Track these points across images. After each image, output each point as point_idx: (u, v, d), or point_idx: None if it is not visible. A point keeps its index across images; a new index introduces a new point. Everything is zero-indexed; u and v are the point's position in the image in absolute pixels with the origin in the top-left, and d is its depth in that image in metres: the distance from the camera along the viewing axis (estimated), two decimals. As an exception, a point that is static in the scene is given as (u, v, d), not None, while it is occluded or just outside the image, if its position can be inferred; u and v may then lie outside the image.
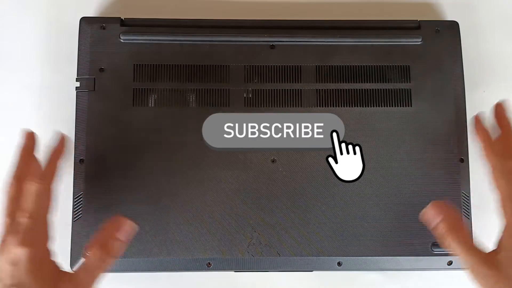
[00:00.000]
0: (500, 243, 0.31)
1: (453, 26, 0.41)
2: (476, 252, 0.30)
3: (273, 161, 0.38)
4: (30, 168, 0.34)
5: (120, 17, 0.40)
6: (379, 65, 0.40)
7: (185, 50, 0.40)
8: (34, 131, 0.35)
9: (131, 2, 0.43)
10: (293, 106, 0.39)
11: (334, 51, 0.40)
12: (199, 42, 0.40)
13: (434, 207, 0.32)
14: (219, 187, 0.38)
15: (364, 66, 0.40)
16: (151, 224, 0.37)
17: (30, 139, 0.35)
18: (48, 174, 0.34)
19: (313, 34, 0.40)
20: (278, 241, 0.38)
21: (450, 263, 0.38)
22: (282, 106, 0.39)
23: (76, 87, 0.39)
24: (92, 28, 0.40)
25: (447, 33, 0.41)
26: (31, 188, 0.32)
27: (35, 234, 0.31)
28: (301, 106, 0.39)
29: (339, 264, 0.38)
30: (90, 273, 0.31)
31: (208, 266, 0.37)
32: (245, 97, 0.39)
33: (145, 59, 0.39)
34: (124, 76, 0.39)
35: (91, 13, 0.42)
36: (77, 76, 0.39)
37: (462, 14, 0.43)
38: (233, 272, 0.39)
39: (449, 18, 0.43)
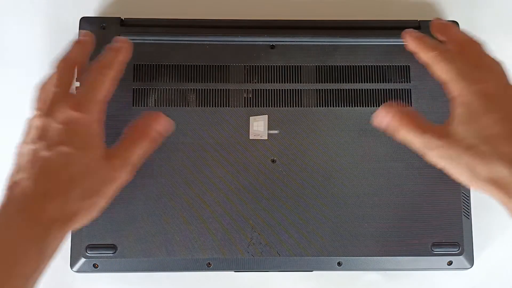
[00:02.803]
0: (450, 116, 0.31)
1: (453, 26, 0.41)
2: (428, 129, 0.31)
3: (273, 161, 0.38)
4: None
5: (120, 17, 0.40)
6: (379, 65, 0.40)
7: (185, 50, 0.40)
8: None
9: (131, 2, 0.43)
10: (293, 106, 0.39)
11: (334, 51, 0.40)
12: (199, 42, 0.40)
13: (384, 107, 0.33)
14: (219, 187, 0.38)
15: (364, 66, 0.40)
16: (151, 224, 0.37)
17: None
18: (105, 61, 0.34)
19: (313, 34, 0.40)
20: (278, 241, 0.38)
21: (450, 263, 0.38)
22: (282, 106, 0.39)
23: (76, 87, 0.39)
24: (92, 28, 0.40)
25: (447, 33, 0.41)
26: (99, 69, 0.33)
27: (92, 100, 0.32)
28: (301, 106, 0.39)
29: (339, 264, 0.38)
30: (131, 153, 0.33)
31: (208, 266, 0.37)
32: (245, 97, 0.39)
33: (145, 59, 0.39)
34: (124, 76, 0.39)
35: (91, 13, 0.42)
36: (77, 76, 0.39)
37: (462, 14, 0.43)
38: (233, 272, 0.39)
39: (449, 18, 0.43)
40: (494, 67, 0.32)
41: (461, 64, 0.31)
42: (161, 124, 0.34)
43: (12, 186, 0.30)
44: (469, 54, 0.33)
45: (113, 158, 0.32)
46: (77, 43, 0.35)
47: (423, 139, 0.31)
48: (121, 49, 0.35)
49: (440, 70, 0.32)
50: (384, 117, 0.33)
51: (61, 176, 0.30)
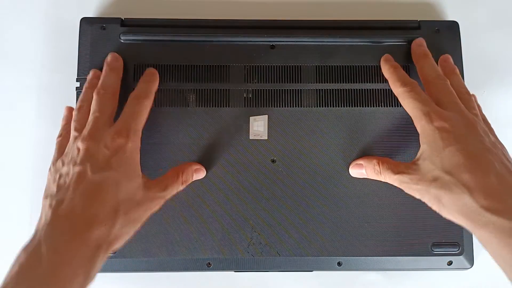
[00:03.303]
0: (419, 151, 0.33)
1: (453, 26, 0.41)
2: (400, 169, 0.33)
3: (273, 161, 0.38)
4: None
5: (120, 17, 0.40)
6: (379, 65, 0.40)
7: (185, 50, 0.40)
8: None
9: (131, 2, 0.43)
10: (293, 106, 0.39)
11: (334, 51, 0.40)
12: (199, 42, 0.40)
13: (358, 161, 0.37)
14: (219, 187, 0.38)
15: (364, 66, 0.40)
16: (151, 224, 0.37)
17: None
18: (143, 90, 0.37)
19: (313, 34, 0.40)
20: (278, 241, 0.38)
21: (450, 263, 0.38)
22: (282, 106, 0.39)
23: (76, 87, 0.39)
24: (92, 28, 0.40)
25: (447, 33, 0.41)
26: (137, 99, 0.35)
27: (135, 129, 0.33)
28: (301, 106, 0.39)
29: (339, 264, 0.38)
30: (166, 183, 0.34)
31: (208, 266, 0.37)
32: (245, 97, 0.39)
33: (145, 59, 0.39)
34: (124, 76, 0.39)
35: (91, 13, 0.42)
36: (77, 76, 0.39)
37: (462, 14, 0.43)
38: (233, 272, 0.39)
39: (449, 18, 0.43)
40: (455, 105, 0.34)
41: (425, 103, 0.33)
42: (199, 176, 0.37)
43: (56, 205, 0.30)
44: (434, 91, 0.35)
45: (152, 189, 0.33)
46: (111, 71, 0.37)
47: (397, 177, 0.33)
48: (155, 79, 0.38)
49: (407, 106, 0.35)
50: (358, 171, 0.37)
51: (109, 201, 0.30)
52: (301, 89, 0.39)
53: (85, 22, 0.40)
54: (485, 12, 0.44)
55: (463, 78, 0.40)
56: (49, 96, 0.41)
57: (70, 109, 0.38)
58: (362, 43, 0.40)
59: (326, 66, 0.40)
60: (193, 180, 0.37)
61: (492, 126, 0.42)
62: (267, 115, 0.39)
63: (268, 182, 0.38)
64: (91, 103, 0.35)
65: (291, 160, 0.38)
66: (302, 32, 0.40)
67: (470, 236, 0.38)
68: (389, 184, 0.38)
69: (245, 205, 0.38)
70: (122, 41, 0.39)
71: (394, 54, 0.40)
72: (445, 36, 0.41)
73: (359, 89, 0.39)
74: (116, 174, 0.31)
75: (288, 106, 0.39)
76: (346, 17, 0.43)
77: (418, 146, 0.39)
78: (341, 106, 0.39)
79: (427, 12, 0.44)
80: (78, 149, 0.32)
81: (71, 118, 0.36)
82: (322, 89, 0.39)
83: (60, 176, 0.31)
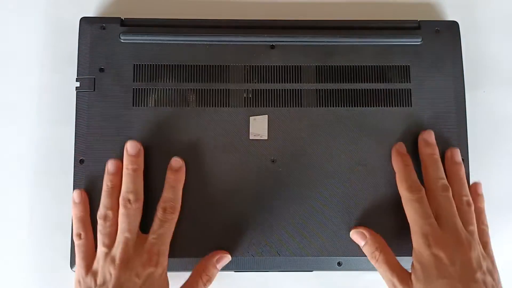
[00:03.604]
0: (412, 266, 0.34)
1: (453, 26, 0.41)
2: (396, 272, 0.34)
3: (273, 161, 0.38)
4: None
5: (120, 17, 0.40)
6: (379, 65, 0.40)
7: (185, 50, 0.40)
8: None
9: (131, 2, 0.43)
10: (293, 106, 0.39)
11: (334, 51, 0.40)
12: (199, 42, 0.40)
13: (359, 231, 0.37)
14: (219, 187, 0.38)
15: (364, 66, 0.40)
16: (149, 224, 0.37)
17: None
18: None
19: (313, 34, 0.40)
20: (278, 241, 0.38)
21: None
22: (282, 106, 0.39)
23: (76, 87, 0.39)
24: (92, 28, 0.40)
25: (447, 33, 0.41)
26: (164, 215, 0.35)
27: (164, 252, 0.35)
28: (301, 106, 0.39)
29: (339, 264, 0.38)
30: None
31: (208, 266, 0.37)
32: (245, 97, 0.39)
33: (145, 59, 0.39)
34: (124, 76, 0.39)
35: (91, 13, 0.42)
36: (77, 76, 0.39)
37: (462, 14, 0.43)
38: (233, 272, 0.39)
39: (449, 18, 0.43)
40: (452, 223, 0.34)
41: (425, 221, 0.34)
42: (225, 263, 0.37)
43: None
44: (434, 202, 0.35)
45: None
46: (135, 172, 0.36)
47: (391, 279, 0.34)
48: (181, 178, 0.37)
49: (408, 213, 0.35)
50: (358, 240, 0.37)
51: None
52: (301, 89, 0.39)
53: (85, 22, 0.40)
54: (485, 12, 0.44)
55: (463, 78, 0.40)
56: (49, 96, 0.41)
57: (81, 195, 0.37)
58: (362, 43, 0.40)
59: (326, 66, 0.40)
60: (219, 270, 0.36)
61: (492, 126, 0.42)
62: (267, 115, 0.39)
63: (268, 182, 0.38)
64: (116, 209, 0.35)
65: (291, 160, 0.38)
66: (302, 32, 0.40)
67: (470, 236, 0.38)
68: (389, 184, 0.38)
69: (245, 205, 0.38)
70: (122, 41, 0.39)
71: (394, 54, 0.40)
72: (445, 36, 0.41)
73: (359, 89, 0.39)
74: None
75: (288, 106, 0.39)
76: (346, 17, 0.43)
77: (417, 146, 0.39)
78: (341, 106, 0.39)
79: (427, 12, 0.44)
80: (110, 274, 0.33)
81: (85, 208, 0.36)
82: (322, 89, 0.39)
83: None
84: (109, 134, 0.38)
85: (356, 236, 0.37)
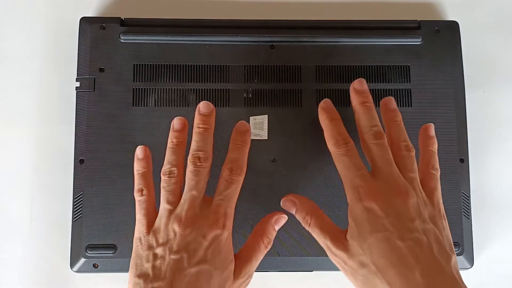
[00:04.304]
0: (348, 224, 0.32)
1: (453, 26, 0.41)
2: (329, 233, 0.32)
3: (273, 161, 0.38)
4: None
5: (120, 17, 0.40)
6: (379, 65, 0.40)
7: (185, 50, 0.40)
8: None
9: (131, 2, 0.43)
10: (293, 106, 0.39)
11: (334, 51, 0.40)
12: (199, 42, 0.40)
13: (288, 200, 0.35)
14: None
15: (364, 66, 0.40)
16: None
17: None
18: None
19: (313, 34, 0.40)
20: (278, 241, 0.37)
21: (450, 263, 0.38)
22: (282, 106, 0.39)
23: (76, 87, 0.39)
24: (92, 28, 0.40)
25: (447, 33, 0.41)
26: (230, 176, 0.33)
27: (230, 214, 0.32)
28: (301, 106, 0.39)
29: (339, 264, 0.38)
30: (250, 256, 0.33)
31: (208, 266, 0.37)
32: (245, 97, 0.39)
33: (145, 59, 0.39)
34: (124, 76, 0.39)
35: (91, 13, 0.42)
36: (77, 76, 0.39)
37: (462, 14, 0.43)
38: (233, 272, 0.39)
39: (449, 18, 0.43)
40: (388, 169, 0.32)
41: (356, 172, 0.32)
42: (282, 223, 0.35)
43: None
44: (368, 150, 0.33)
45: (241, 272, 0.32)
46: (206, 131, 0.34)
47: (324, 242, 0.32)
48: (247, 141, 0.34)
49: (338, 169, 0.33)
50: (289, 207, 0.34)
51: None
52: (301, 89, 0.39)
53: (85, 22, 0.40)
54: (485, 12, 0.44)
55: (463, 78, 0.40)
56: (49, 96, 0.41)
57: (145, 151, 0.35)
58: (362, 43, 0.40)
59: (326, 66, 0.40)
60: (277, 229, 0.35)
61: (492, 126, 0.42)
62: (267, 115, 0.39)
63: (268, 182, 0.38)
64: (182, 166, 0.33)
65: (291, 160, 0.38)
66: (302, 32, 0.40)
67: (470, 236, 0.38)
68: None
69: (245, 205, 0.38)
70: (121, 41, 0.39)
71: (394, 54, 0.40)
72: (445, 36, 0.41)
73: (359, 89, 0.39)
74: (211, 268, 0.30)
75: (288, 106, 0.39)
76: (346, 17, 0.43)
77: (419, 147, 0.39)
78: (341, 106, 0.39)
79: (427, 12, 0.44)
80: (175, 233, 0.31)
81: (148, 165, 0.35)
82: (322, 89, 0.39)
83: (155, 257, 0.31)
84: (109, 134, 0.38)
85: (288, 204, 0.34)
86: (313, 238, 0.37)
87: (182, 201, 0.32)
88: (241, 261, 0.33)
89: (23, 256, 0.40)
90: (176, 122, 0.34)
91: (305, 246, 0.37)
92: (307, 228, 0.33)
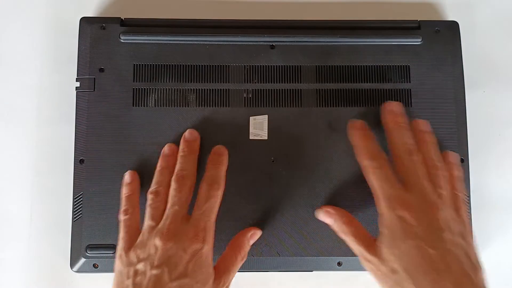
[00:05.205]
0: (380, 234, 0.33)
1: (453, 26, 0.41)
2: (363, 240, 0.33)
3: (273, 161, 0.38)
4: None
5: (120, 17, 0.40)
6: (379, 65, 0.40)
7: (185, 50, 0.40)
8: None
9: (131, 2, 0.43)
10: (293, 106, 0.39)
11: (334, 51, 0.40)
12: (199, 42, 0.40)
13: (325, 210, 0.36)
14: (219, 187, 0.38)
15: (364, 66, 0.40)
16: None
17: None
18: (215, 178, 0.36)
19: (313, 34, 0.40)
20: (278, 241, 0.38)
21: (450, 263, 0.38)
22: (282, 106, 0.39)
23: (76, 87, 0.39)
24: (92, 28, 0.40)
25: (447, 33, 0.41)
26: (208, 191, 0.34)
27: (210, 228, 0.33)
28: (301, 106, 0.39)
29: (339, 264, 0.38)
30: (228, 268, 0.34)
31: (208, 266, 0.37)
32: (245, 97, 0.39)
33: (145, 59, 0.39)
34: (124, 76, 0.39)
35: (91, 13, 0.42)
36: (77, 76, 0.39)
37: (462, 14, 0.43)
38: (233, 272, 0.39)
39: (449, 18, 0.43)
40: (419, 185, 0.33)
41: (388, 185, 0.33)
42: (256, 238, 0.37)
43: None
44: (401, 167, 0.34)
45: (218, 285, 0.33)
46: (190, 154, 0.36)
47: (357, 248, 0.34)
48: (224, 160, 0.37)
49: (370, 182, 0.34)
50: (325, 218, 0.36)
51: None
52: (301, 89, 0.39)
53: (85, 22, 0.40)
54: (485, 12, 0.44)
55: (463, 78, 0.40)
56: (49, 96, 0.41)
57: (133, 176, 0.37)
58: (362, 43, 0.40)
59: (326, 66, 0.40)
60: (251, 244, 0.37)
61: (492, 126, 0.42)
62: (267, 115, 0.39)
63: (268, 182, 0.38)
64: (168, 187, 0.35)
65: (291, 160, 0.38)
66: (302, 32, 0.40)
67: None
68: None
69: (245, 205, 0.38)
70: (122, 41, 0.39)
71: (394, 54, 0.40)
72: (445, 36, 0.41)
73: (359, 89, 0.39)
74: (191, 281, 0.31)
75: (288, 106, 0.39)
76: (346, 17, 0.43)
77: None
78: (341, 106, 0.39)
79: (427, 12, 0.44)
80: (156, 248, 0.32)
81: (135, 188, 0.36)
82: (322, 89, 0.39)
83: (136, 273, 0.31)
84: (109, 134, 0.38)
85: (323, 215, 0.36)
86: (313, 238, 0.38)
87: (164, 216, 0.33)
88: (220, 273, 0.33)
89: (23, 256, 0.40)
90: (166, 148, 0.37)
91: (305, 246, 0.38)
92: (343, 236, 0.35)
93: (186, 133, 0.37)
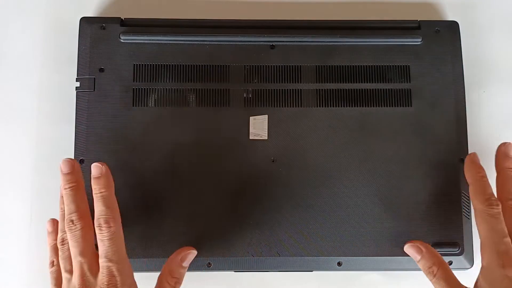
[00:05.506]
0: (476, 284, 0.33)
1: (453, 26, 0.41)
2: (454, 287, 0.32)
3: (273, 161, 0.38)
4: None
5: (120, 17, 0.40)
6: (379, 65, 0.40)
7: (185, 50, 0.40)
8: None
9: (131, 2, 0.43)
10: (293, 106, 0.39)
11: (334, 51, 0.40)
12: (199, 42, 0.40)
13: (415, 245, 0.36)
14: (219, 187, 0.38)
15: (364, 66, 0.40)
16: (151, 224, 0.37)
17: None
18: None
19: (313, 34, 0.40)
20: (278, 241, 0.38)
21: (450, 263, 0.38)
22: (282, 106, 0.39)
23: (76, 87, 0.39)
24: (92, 28, 0.40)
25: (447, 33, 0.41)
26: (101, 233, 0.32)
27: (122, 271, 0.32)
28: (301, 106, 0.39)
29: (339, 264, 0.38)
30: None
31: (208, 266, 0.37)
32: (245, 97, 0.39)
33: (145, 59, 0.39)
34: (124, 76, 0.39)
35: (91, 13, 0.42)
36: (77, 76, 0.39)
37: (462, 14, 0.43)
38: (233, 272, 0.39)
39: (449, 18, 0.43)
40: None
41: (501, 237, 0.32)
42: (191, 259, 0.36)
43: None
44: (508, 217, 0.33)
45: None
46: (69, 195, 0.34)
47: None
48: (107, 183, 0.33)
49: (481, 227, 0.33)
50: (415, 254, 0.36)
51: None
52: (301, 89, 0.39)
53: (85, 22, 0.40)
54: (485, 12, 0.44)
55: (463, 78, 0.40)
56: (49, 96, 0.41)
57: (53, 226, 0.37)
58: (362, 43, 0.40)
59: (326, 66, 0.40)
60: (187, 268, 0.35)
61: (492, 126, 0.42)
62: (267, 115, 0.39)
63: (268, 182, 0.38)
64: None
65: (291, 160, 0.38)
66: (302, 32, 0.40)
67: (470, 236, 0.38)
68: (388, 184, 0.38)
69: (245, 205, 0.38)
70: (122, 41, 0.39)
71: (394, 54, 0.40)
72: (445, 36, 0.41)
73: (359, 89, 0.39)
74: None
75: (288, 106, 0.39)
76: (346, 17, 0.43)
77: (418, 146, 0.39)
78: (341, 106, 0.39)
79: (427, 12, 0.44)
80: None
81: (56, 239, 0.35)
82: (322, 89, 0.39)
83: None
84: (109, 134, 0.38)
85: (411, 250, 0.36)
86: (313, 238, 0.38)
87: (73, 270, 0.32)
88: None
89: (23, 256, 0.40)
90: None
91: (305, 246, 0.37)
92: (430, 277, 0.34)
93: (61, 166, 0.34)
